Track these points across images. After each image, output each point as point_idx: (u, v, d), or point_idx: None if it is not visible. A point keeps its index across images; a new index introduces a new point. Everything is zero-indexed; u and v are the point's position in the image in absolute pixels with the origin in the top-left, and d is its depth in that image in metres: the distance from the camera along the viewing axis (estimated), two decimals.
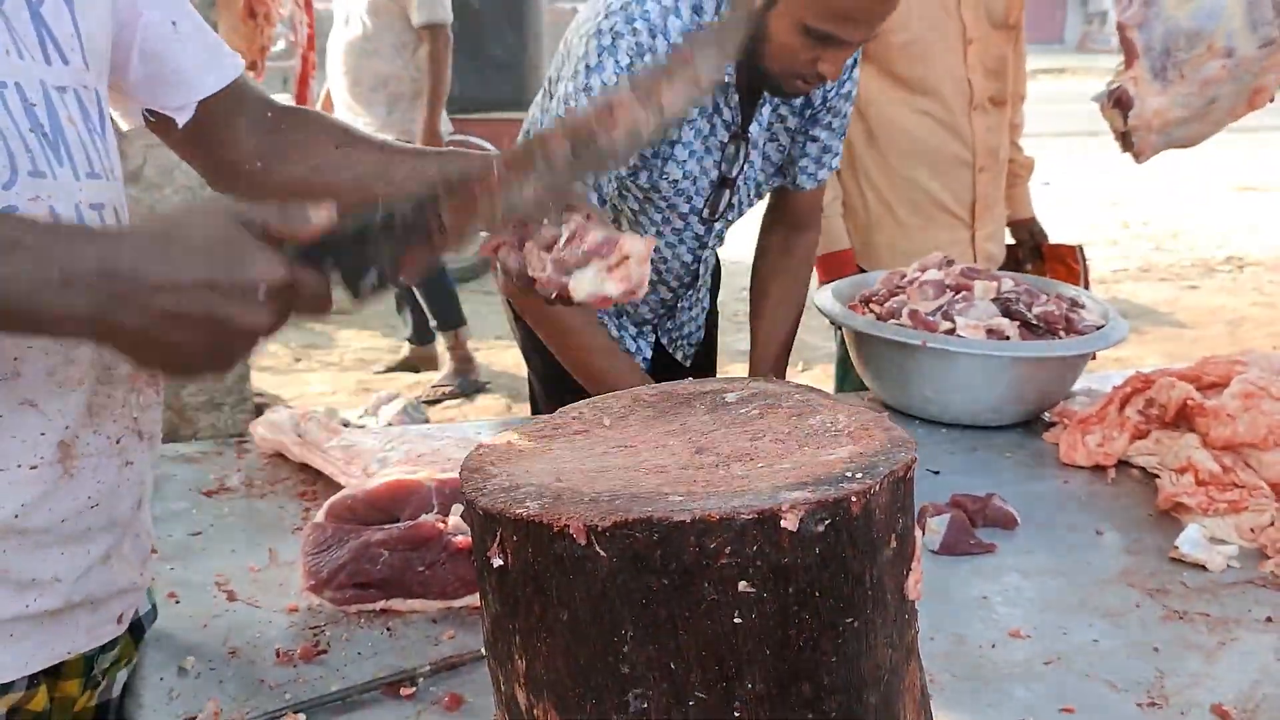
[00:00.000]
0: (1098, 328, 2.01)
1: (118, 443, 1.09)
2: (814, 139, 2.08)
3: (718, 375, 2.28)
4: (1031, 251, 2.93)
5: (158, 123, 1.20)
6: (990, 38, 2.62)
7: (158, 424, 1.19)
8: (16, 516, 1.01)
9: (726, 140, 1.95)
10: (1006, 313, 1.98)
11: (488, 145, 7.12)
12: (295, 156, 1.22)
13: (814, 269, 2.39)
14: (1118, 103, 2.48)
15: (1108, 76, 2.62)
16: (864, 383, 2.18)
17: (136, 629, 1.25)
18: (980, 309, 1.97)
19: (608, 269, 0.95)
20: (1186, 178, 10.33)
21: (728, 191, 2.03)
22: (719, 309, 2.48)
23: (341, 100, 5.04)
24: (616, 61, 1.77)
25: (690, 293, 2.23)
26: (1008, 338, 1.94)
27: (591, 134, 0.92)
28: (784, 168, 2.12)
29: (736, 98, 1.92)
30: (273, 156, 1.22)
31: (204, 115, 1.20)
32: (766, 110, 1.98)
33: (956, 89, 2.61)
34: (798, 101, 2.00)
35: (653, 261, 2.02)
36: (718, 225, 2.11)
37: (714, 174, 1.98)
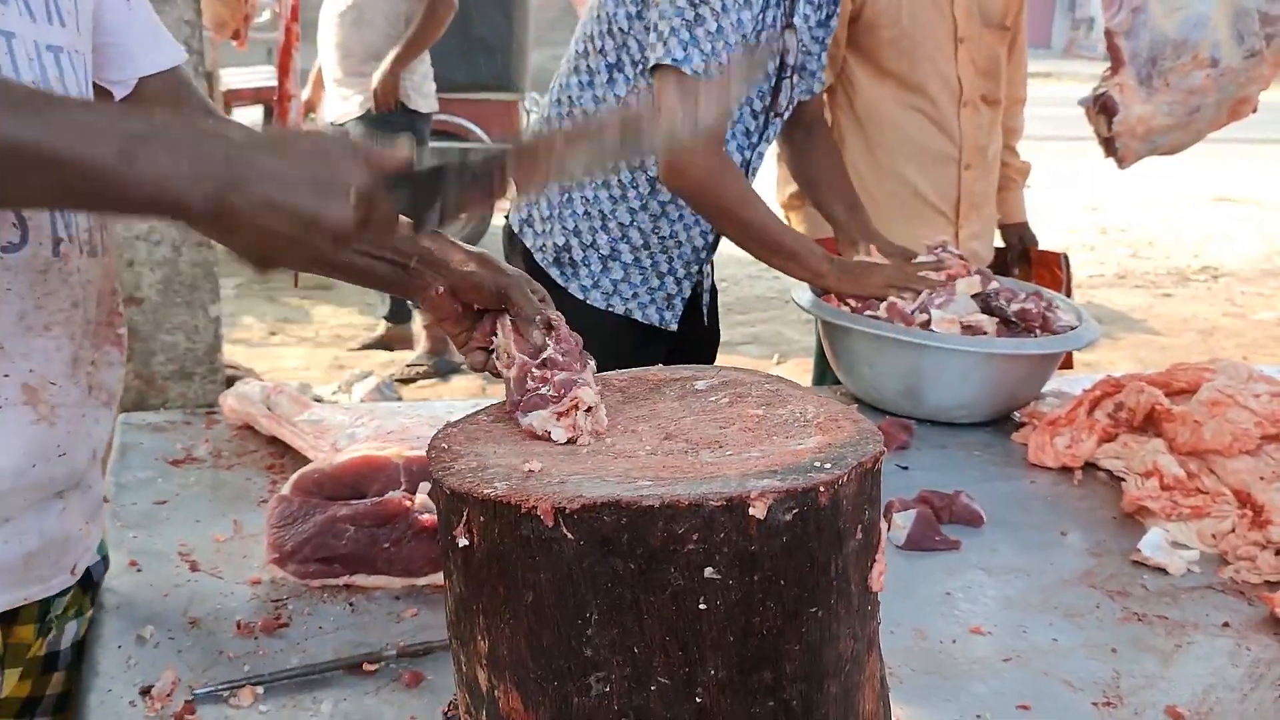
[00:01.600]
0: (1072, 328, 2.03)
1: (90, 394, 1.14)
2: (823, 45, 2.23)
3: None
4: (1019, 256, 2.95)
5: (96, 95, 1.21)
6: (983, 37, 2.62)
7: (120, 384, 1.22)
8: None
9: (781, 30, 2.07)
10: (986, 309, 1.99)
11: (474, 127, 7.10)
12: None
13: None
14: (1103, 108, 2.49)
15: (1093, 82, 2.63)
16: (838, 376, 2.19)
17: (86, 581, 1.27)
18: (959, 304, 1.98)
19: (556, 415, 1.01)
20: (1166, 186, 10.44)
21: (788, 82, 2.15)
22: (718, 289, 2.53)
23: (331, 75, 4.97)
24: None
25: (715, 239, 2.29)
26: (985, 333, 1.95)
27: (639, 127, 1.01)
28: (805, 76, 2.25)
29: None
30: None
31: (140, 95, 1.23)
32: (801, 4, 2.12)
33: (945, 86, 2.60)
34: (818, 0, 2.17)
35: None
36: (773, 121, 2.20)
37: (772, 65, 2.10)
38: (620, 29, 2.06)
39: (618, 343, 2.18)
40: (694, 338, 2.36)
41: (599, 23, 2.09)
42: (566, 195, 2.16)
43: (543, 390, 1.05)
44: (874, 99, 2.62)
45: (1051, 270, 2.83)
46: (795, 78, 2.19)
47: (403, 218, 0.97)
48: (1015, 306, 1.99)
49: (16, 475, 1.07)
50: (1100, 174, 2.83)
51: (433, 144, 5.71)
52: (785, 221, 2.11)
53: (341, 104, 4.95)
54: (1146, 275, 7.92)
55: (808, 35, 2.19)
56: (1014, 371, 1.98)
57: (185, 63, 1.29)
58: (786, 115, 2.24)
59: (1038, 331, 1.99)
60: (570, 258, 2.18)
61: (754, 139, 2.20)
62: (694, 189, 2.03)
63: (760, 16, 2.00)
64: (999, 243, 2.94)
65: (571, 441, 1.00)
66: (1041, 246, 3.01)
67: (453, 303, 1.19)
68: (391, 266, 1.21)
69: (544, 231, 2.19)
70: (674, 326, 2.27)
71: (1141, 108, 2.43)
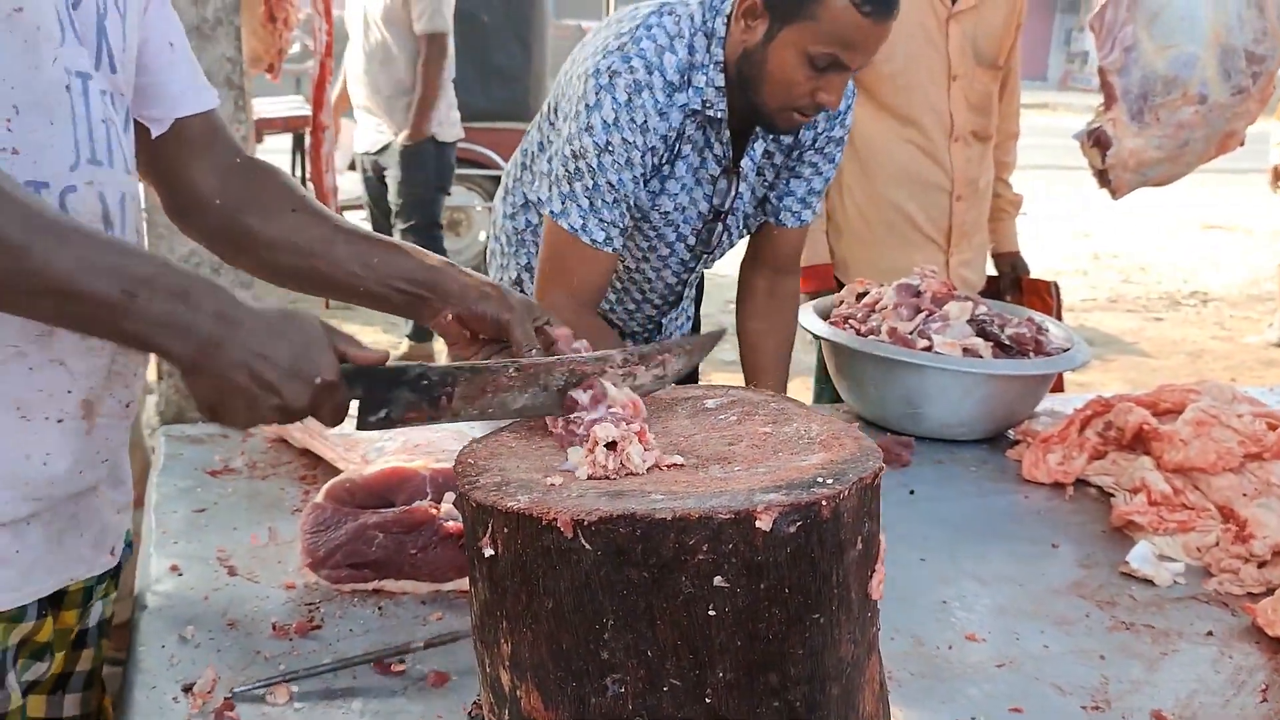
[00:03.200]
0: (1064, 350, 2.10)
1: (126, 406, 1.23)
2: (800, 177, 2.07)
3: (699, 383, 2.31)
4: (1011, 284, 3.02)
5: (135, 130, 1.28)
6: (975, 75, 2.70)
7: (139, 394, 1.31)
8: (45, 464, 1.13)
9: (718, 174, 1.97)
10: (981, 333, 2.06)
11: (493, 155, 7.18)
12: (252, 209, 1.32)
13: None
14: (1096, 142, 2.57)
15: (1087, 114, 2.70)
16: (839, 395, 2.26)
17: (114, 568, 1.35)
18: (956, 329, 2.05)
19: (585, 454, 1.06)
20: (1157, 214, 10.53)
21: (720, 224, 2.06)
22: (702, 320, 2.54)
23: (361, 104, 5.26)
24: (614, 99, 1.81)
25: (675, 310, 2.28)
26: (981, 356, 2.02)
27: (584, 375, 1.14)
28: (766, 203, 2.11)
29: (728, 133, 1.93)
30: (231, 201, 1.32)
31: (176, 134, 1.30)
32: (759, 145, 1.99)
33: (937, 120, 2.69)
34: (787, 141, 2.02)
35: (638, 282, 2.15)
36: (707, 256, 2.13)
37: (704, 206, 2.01)
38: (534, 152, 2.06)
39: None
40: None
41: (550, 99, 2.04)
42: (520, 236, 2.14)
43: (580, 430, 1.10)
44: (871, 131, 2.70)
45: (1042, 297, 2.90)
46: (733, 221, 2.08)
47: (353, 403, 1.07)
48: (1010, 331, 2.06)
49: (66, 481, 1.16)
50: (1093, 202, 2.90)
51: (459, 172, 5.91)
52: None
53: (374, 135, 5.27)
54: (1138, 300, 7.99)
55: (772, 172, 2.06)
56: (1010, 391, 2.05)
57: (219, 106, 1.36)
58: (725, 251, 2.16)
59: (1031, 354, 2.05)
60: (523, 291, 2.14)
61: (690, 265, 2.14)
62: None
63: (663, 168, 1.91)
64: (992, 271, 3.01)
65: (596, 478, 1.02)
66: (1034, 274, 3.08)
67: (461, 329, 1.28)
68: (404, 295, 1.30)
69: (503, 265, 2.20)
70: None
71: (1133, 141, 2.50)
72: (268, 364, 1.00)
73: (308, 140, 5.22)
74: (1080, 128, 2.69)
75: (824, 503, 0.91)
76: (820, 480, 0.94)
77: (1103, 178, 2.65)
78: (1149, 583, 1.57)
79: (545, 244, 1.94)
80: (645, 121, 1.83)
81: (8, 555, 1.14)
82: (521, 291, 2.13)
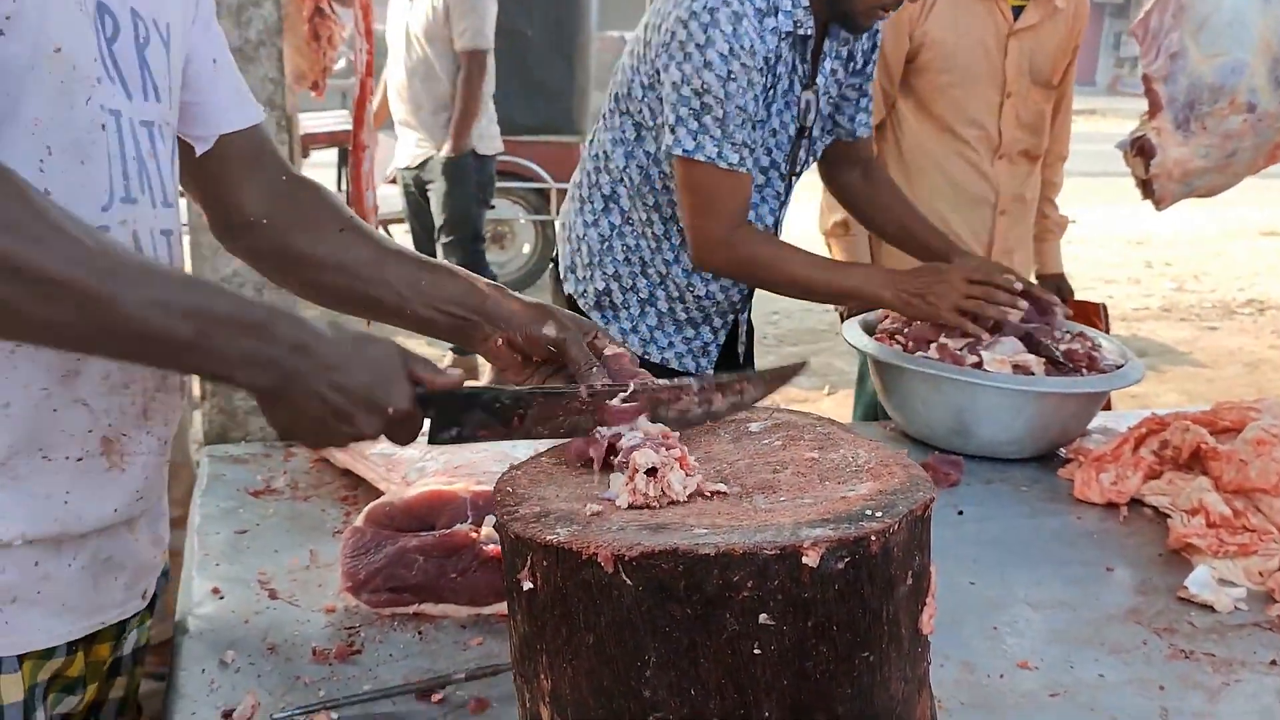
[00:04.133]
0: (1117, 367, 2.06)
1: (164, 443, 1.21)
2: (863, 91, 2.26)
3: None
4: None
5: (180, 149, 1.27)
6: (1030, 94, 2.69)
7: (175, 430, 1.30)
8: (65, 503, 1.11)
9: (801, 93, 2.11)
10: (1031, 348, 2.02)
11: (537, 168, 7.23)
12: (300, 229, 1.31)
13: None
14: (1140, 151, 2.52)
15: (1137, 120, 2.66)
16: (882, 410, 2.23)
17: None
18: (1006, 345, 2.01)
19: (625, 482, 1.04)
20: (1211, 220, 10.34)
21: (805, 142, 2.19)
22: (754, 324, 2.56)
23: (401, 119, 5.32)
24: (722, 32, 1.93)
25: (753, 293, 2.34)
26: (1032, 373, 1.99)
27: (661, 405, 1.14)
28: (834, 122, 2.27)
29: (810, 51, 2.07)
30: (279, 220, 1.31)
31: (221, 151, 1.29)
32: (827, 63, 2.14)
33: (986, 136, 2.69)
34: (844, 53, 2.18)
35: None
36: (794, 181, 2.25)
37: (792, 128, 2.14)
38: (637, 96, 2.12)
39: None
40: None
41: (620, 85, 2.15)
42: (607, 242, 2.23)
43: (625, 460, 1.08)
44: (919, 139, 2.70)
45: (1090, 320, 2.87)
46: (815, 136, 2.22)
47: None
48: (1063, 347, 2.02)
49: (98, 520, 1.14)
50: (1145, 209, 2.84)
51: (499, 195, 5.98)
52: (828, 256, 2.13)
53: (415, 149, 5.33)
54: (1192, 308, 7.85)
55: (836, 89, 2.21)
56: (1063, 409, 2.01)
57: (264, 121, 1.35)
58: (801, 174, 2.28)
59: (1084, 371, 2.01)
60: (610, 301, 2.25)
61: (783, 198, 2.25)
62: (723, 267, 2.11)
63: (769, 92, 2.04)
64: None
65: (636, 506, 1.00)
66: (1085, 283, 3.04)
67: (511, 354, 1.26)
68: (452, 319, 1.28)
69: (585, 278, 2.26)
70: (710, 371, 2.32)
71: (1178, 151, 2.45)
72: (342, 395, 1.01)
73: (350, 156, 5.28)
74: (1124, 138, 2.64)
75: (873, 538, 0.89)
76: (869, 513, 0.91)
77: (1146, 188, 2.60)
78: (1209, 609, 1.53)
79: (682, 187, 2.05)
80: (752, 47, 1.96)
81: (34, 595, 1.12)
82: (610, 302, 2.25)
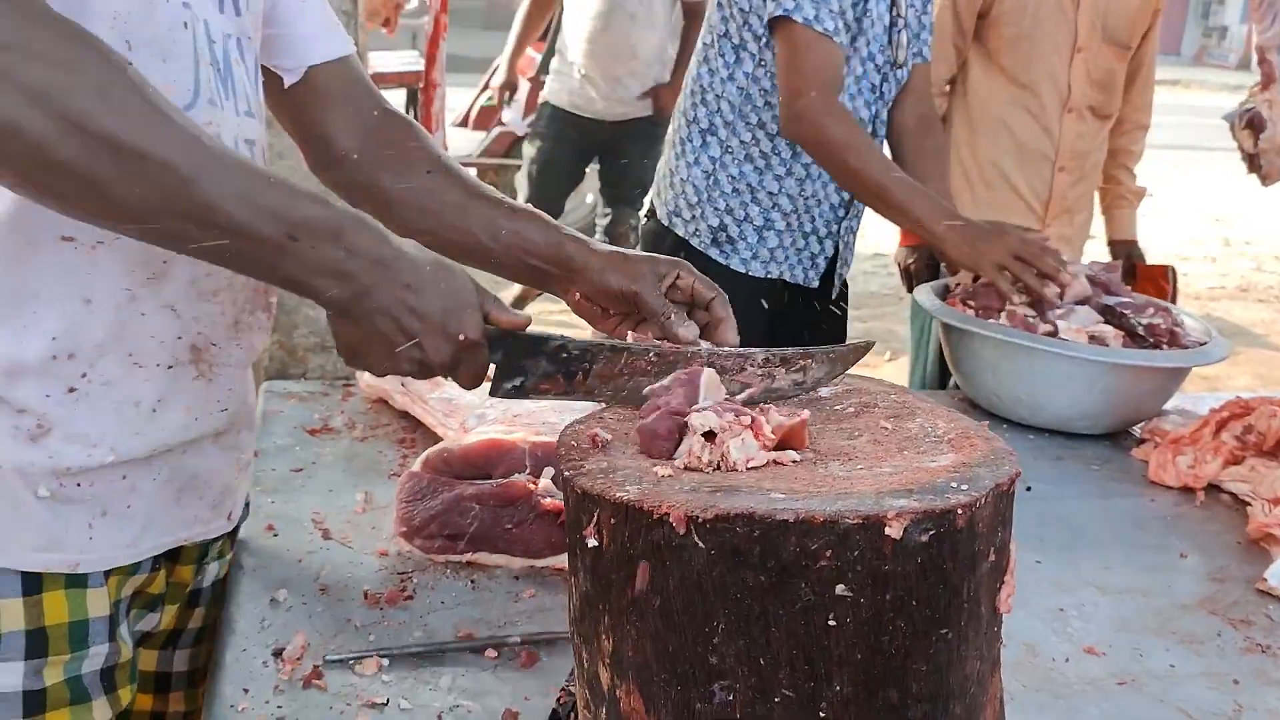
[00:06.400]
0: (1200, 344, 1.98)
1: (245, 354, 1.21)
2: (923, 9, 2.28)
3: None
4: (1127, 272, 2.94)
5: (266, 80, 1.26)
6: (1102, 51, 2.66)
7: (265, 345, 1.30)
8: (154, 410, 1.11)
9: None
10: (1112, 320, 1.96)
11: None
12: (389, 167, 1.29)
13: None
14: (1249, 124, 2.43)
15: (1221, 92, 2.60)
16: (944, 378, 2.19)
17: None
18: (1082, 315, 1.94)
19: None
20: None
21: (902, 32, 2.20)
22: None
23: (588, 71, 4.85)
24: None
25: (853, 209, 2.34)
26: (1108, 345, 1.92)
27: (724, 373, 1.10)
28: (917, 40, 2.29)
29: None
30: (368, 156, 1.30)
31: (310, 82, 1.28)
32: None
33: (1055, 89, 2.66)
34: None
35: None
36: (890, 76, 2.23)
37: (887, 17, 2.16)
38: (741, 9, 2.14)
39: (771, 306, 2.30)
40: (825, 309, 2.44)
41: (721, 9, 2.17)
42: (711, 177, 2.24)
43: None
44: (986, 92, 2.70)
45: (1157, 283, 2.83)
46: (907, 29, 2.23)
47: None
48: (1145, 320, 1.95)
49: (183, 429, 1.14)
50: (1227, 185, 2.76)
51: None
52: (901, 174, 2.08)
53: (619, 106, 4.91)
54: (1270, 289, 7.63)
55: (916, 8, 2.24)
56: (1140, 385, 1.94)
57: (354, 54, 1.32)
58: (907, 74, 2.27)
59: (1165, 346, 1.94)
60: (727, 235, 2.27)
61: (880, 92, 2.24)
62: (808, 135, 2.09)
63: None
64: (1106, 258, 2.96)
65: (691, 469, 0.95)
66: (1154, 260, 3.01)
67: (591, 306, 1.24)
68: (532, 269, 1.26)
69: (695, 217, 2.27)
70: (815, 284, 2.34)
71: None
72: (415, 316, 0.99)
73: (420, 96, 5.12)
74: (1227, 107, 2.56)
75: (959, 511, 0.84)
76: (954, 485, 0.87)
77: (1253, 162, 2.52)
78: None
79: (782, 52, 2.06)
80: None
81: (122, 509, 1.13)
82: (726, 236, 2.26)
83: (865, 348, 1.22)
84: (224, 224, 0.91)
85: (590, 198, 7.35)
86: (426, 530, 1.37)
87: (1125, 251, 2.97)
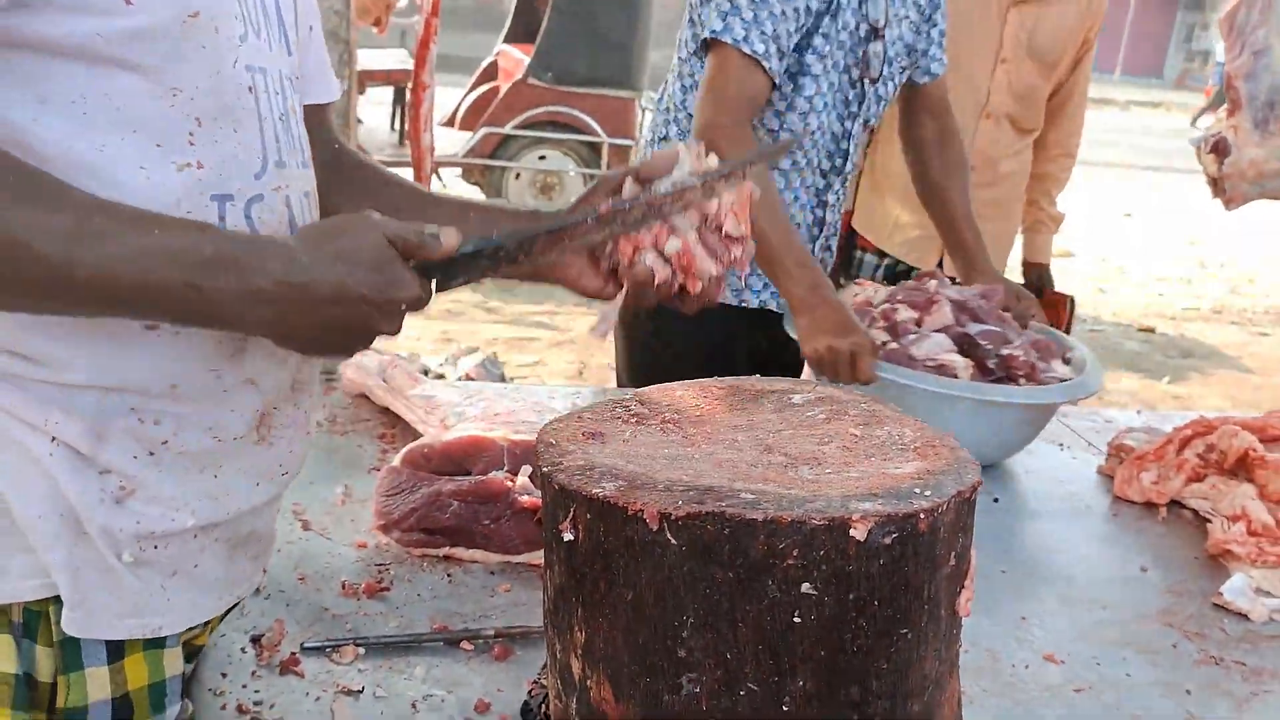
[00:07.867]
0: (1064, 380, 1.86)
1: (307, 415, 1.16)
2: (936, 25, 2.22)
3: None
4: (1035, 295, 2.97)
5: None
6: (1024, 65, 2.67)
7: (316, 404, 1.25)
8: (216, 478, 1.06)
9: None
10: (965, 350, 1.85)
11: (591, 121, 7.16)
12: (344, 191, 1.25)
13: None
14: (1215, 149, 2.47)
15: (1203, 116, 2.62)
16: None
17: None
18: (933, 342, 1.85)
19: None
20: (1270, 223, 10.13)
21: (880, 45, 2.11)
22: None
23: None
24: None
25: (837, 182, 2.24)
26: (954, 375, 1.80)
27: (662, 211, 1.10)
28: (916, 54, 2.22)
29: None
30: (325, 186, 1.22)
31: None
32: None
33: (973, 94, 2.66)
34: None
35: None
36: (866, 89, 2.14)
37: (863, 28, 2.07)
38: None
39: (726, 331, 2.20)
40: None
41: (691, 27, 2.09)
42: None
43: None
44: None
45: (1057, 311, 2.87)
46: (885, 44, 2.13)
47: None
48: (1005, 351, 1.84)
49: (243, 497, 1.09)
50: (1203, 207, 2.78)
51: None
52: (789, 225, 1.98)
53: None
54: (1244, 312, 7.71)
55: (915, 12, 2.19)
56: (993, 419, 1.81)
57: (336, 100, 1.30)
58: (892, 89, 2.20)
59: (1021, 380, 1.84)
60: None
61: (853, 107, 2.14)
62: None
63: None
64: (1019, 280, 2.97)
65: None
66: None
67: (578, 261, 1.21)
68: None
69: None
70: (773, 306, 2.24)
71: (1255, 151, 2.40)
72: (350, 309, 0.94)
73: (408, 96, 5.15)
74: (1196, 131, 2.60)
75: (922, 516, 0.87)
76: (918, 491, 0.90)
77: (1217, 186, 2.55)
78: (1243, 617, 1.51)
79: (707, 72, 1.96)
80: None
81: (190, 569, 1.07)
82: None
83: (791, 142, 1.20)
84: (127, 293, 0.87)
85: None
86: (405, 524, 1.39)
87: (1037, 275, 3.01)
